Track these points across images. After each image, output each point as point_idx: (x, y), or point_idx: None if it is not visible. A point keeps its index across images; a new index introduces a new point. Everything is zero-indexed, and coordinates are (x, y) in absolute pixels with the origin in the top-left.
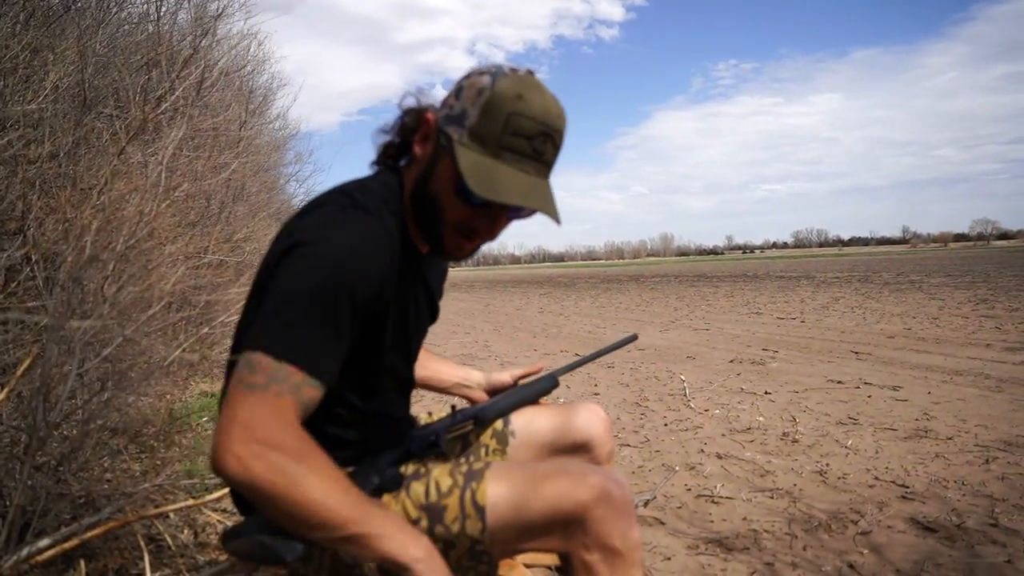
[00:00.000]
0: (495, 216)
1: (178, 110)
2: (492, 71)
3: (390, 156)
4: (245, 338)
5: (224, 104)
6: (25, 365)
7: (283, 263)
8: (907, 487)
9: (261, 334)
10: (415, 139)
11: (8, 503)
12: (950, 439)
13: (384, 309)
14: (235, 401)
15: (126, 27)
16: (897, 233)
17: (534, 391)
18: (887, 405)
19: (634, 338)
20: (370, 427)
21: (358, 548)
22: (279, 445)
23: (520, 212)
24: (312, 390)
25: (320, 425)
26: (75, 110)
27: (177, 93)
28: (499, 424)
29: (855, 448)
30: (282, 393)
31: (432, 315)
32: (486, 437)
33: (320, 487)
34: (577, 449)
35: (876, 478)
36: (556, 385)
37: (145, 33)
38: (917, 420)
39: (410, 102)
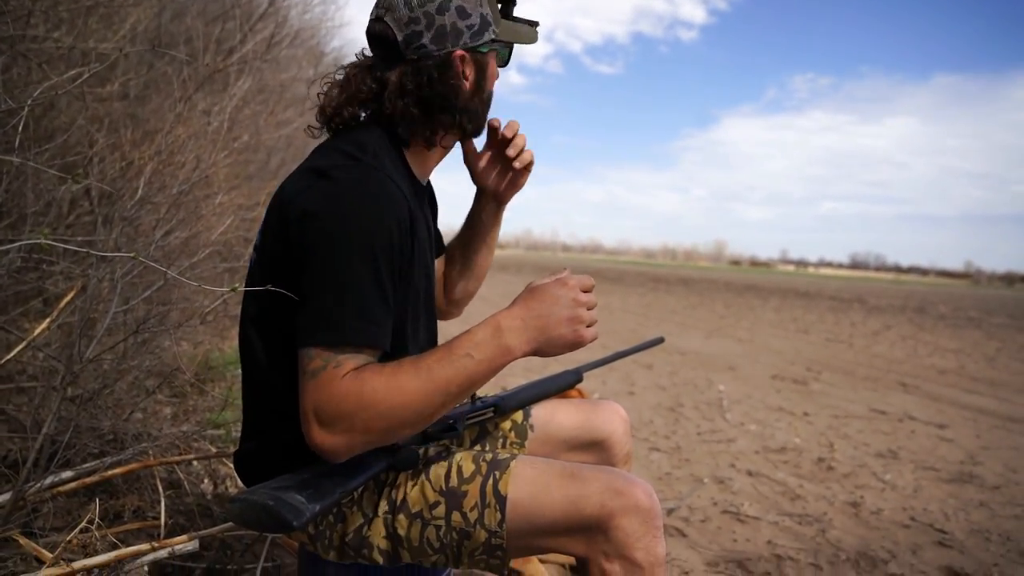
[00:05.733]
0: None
1: (247, 63)
2: None
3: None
4: (297, 332)
5: (295, 62)
6: (68, 298)
7: (307, 238)
8: (945, 533)
9: (311, 327)
10: (460, 76)
11: (39, 431)
12: (997, 488)
13: (410, 254)
14: (302, 392)
15: None
16: (959, 267)
17: (557, 384)
18: (931, 443)
19: (660, 340)
20: None
21: (479, 378)
22: (350, 410)
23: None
24: (370, 353)
25: None
26: (148, 54)
27: (248, 47)
28: (519, 417)
29: (892, 484)
30: (340, 364)
31: (439, 246)
32: (504, 428)
33: (401, 397)
34: (595, 447)
35: (912, 518)
36: (580, 379)
37: None
38: (962, 463)
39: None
